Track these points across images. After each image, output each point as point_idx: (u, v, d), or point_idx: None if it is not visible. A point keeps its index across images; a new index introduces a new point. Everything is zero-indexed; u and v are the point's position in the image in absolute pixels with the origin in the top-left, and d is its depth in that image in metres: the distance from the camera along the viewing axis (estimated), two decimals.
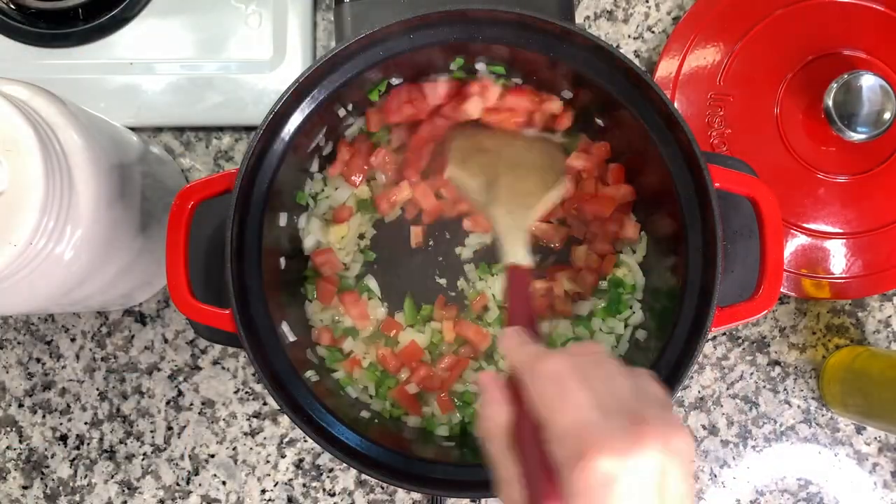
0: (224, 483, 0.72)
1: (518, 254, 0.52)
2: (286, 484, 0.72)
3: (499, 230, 0.55)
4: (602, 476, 0.36)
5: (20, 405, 0.73)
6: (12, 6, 0.71)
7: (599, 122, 0.64)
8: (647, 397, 0.40)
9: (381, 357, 0.64)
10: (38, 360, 0.73)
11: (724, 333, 0.74)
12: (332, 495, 0.72)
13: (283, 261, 0.63)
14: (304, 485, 0.72)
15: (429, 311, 0.66)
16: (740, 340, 0.74)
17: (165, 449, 0.72)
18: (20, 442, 0.72)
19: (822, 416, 0.73)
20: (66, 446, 0.72)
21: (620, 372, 0.41)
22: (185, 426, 0.72)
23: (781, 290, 0.69)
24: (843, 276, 0.71)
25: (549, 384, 0.40)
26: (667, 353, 0.57)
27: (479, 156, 0.60)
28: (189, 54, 0.71)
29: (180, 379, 0.73)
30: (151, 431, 0.72)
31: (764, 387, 0.73)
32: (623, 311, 0.64)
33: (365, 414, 0.62)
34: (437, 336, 0.65)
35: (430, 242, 0.68)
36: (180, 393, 0.73)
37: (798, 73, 0.71)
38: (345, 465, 0.62)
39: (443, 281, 0.68)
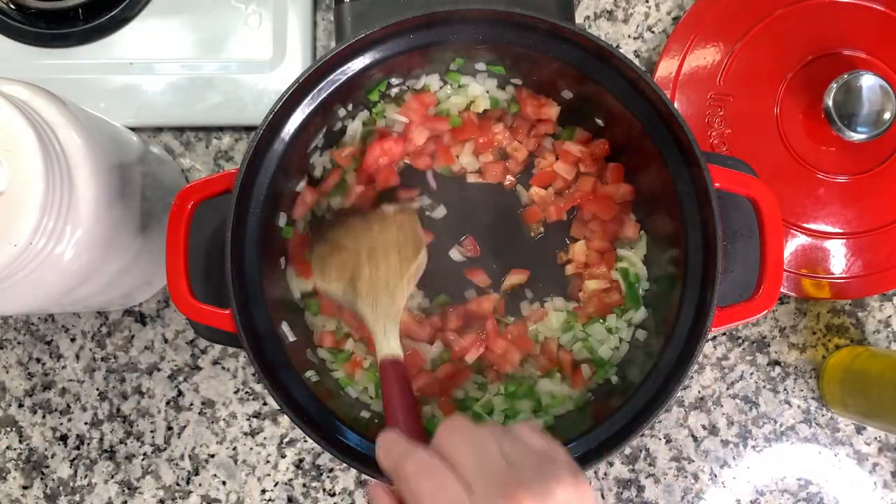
0: (224, 483, 0.72)
1: (389, 344, 0.53)
2: (286, 484, 0.72)
3: (368, 323, 0.55)
4: None
5: (20, 405, 0.73)
6: (12, 6, 0.71)
7: (599, 121, 0.64)
8: (523, 456, 0.40)
9: None
10: (38, 360, 0.73)
11: (724, 333, 0.74)
12: (332, 495, 0.72)
13: (282, 261, 0.63)
14: (304, 485, 0.72)
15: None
16: (740, 340, 0.74)
17: (165, 449, 0.72)
18: (20, 442, 0.72)
19: (822, 416, 0.73)
20: (66, 446, 0.72)
21: (492, 437, 0.41)
22: (185, 426, 0.72)
23: (781, 290, 0.69)
24: (843, 276, 0.71)
25: (413, 484, 0.40)
26: (667, 353, 0.57)
27: (337, 256, 0.60)
28: (189, 54, 0.71)
29: (180, 379, 0.73)
30: (151, 431, 0.72)
31: (764, 387, 0.73)
32: (638, 305, 0.64)
33: (365, 414, 0.62)
34: (446, 353, 0.65)
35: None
36: (180, 393, 0.73)
37: (798, 73, 0.71)
38: (345, 465, 0.62)
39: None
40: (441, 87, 0.66)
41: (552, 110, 0.65)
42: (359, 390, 0.64)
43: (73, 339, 0.73)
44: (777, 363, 0.73)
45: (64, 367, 0.73)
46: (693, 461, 0.72)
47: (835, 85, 0.66)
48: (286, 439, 0.72)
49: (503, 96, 0.66)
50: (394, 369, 0.52)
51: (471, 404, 0.64)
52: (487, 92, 0.66)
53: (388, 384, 0.51)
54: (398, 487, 0.41)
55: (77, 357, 0.73)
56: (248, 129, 0.74)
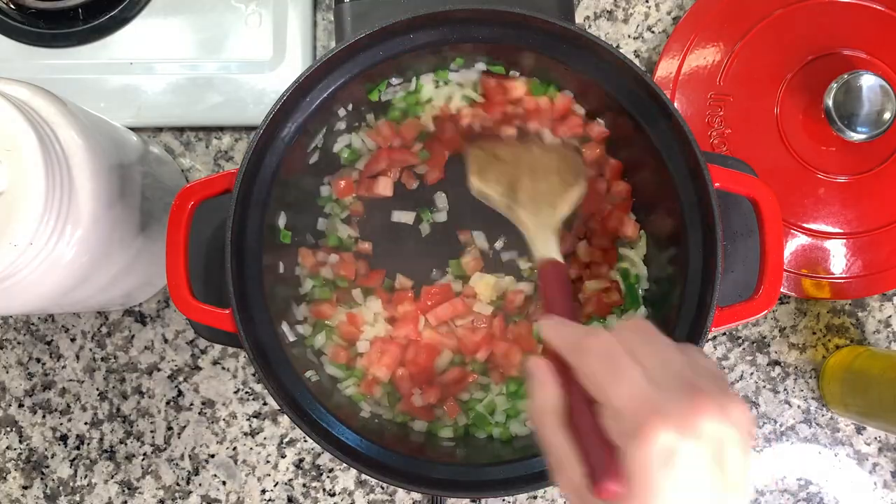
0: (224, 483, 0.72)
1: (550, 249, 0.52)
2: (286, 484, 0.72)
3: (527, 230, 0.54)
4: (661, 450, 0.36)
5: (20, 405, 0.73)
6: (12, 6, 0.71)
7: (600, 121, 0.64)
8: (700, 369, 0.40)
9: (399, 378, 0.63)
10: (38, 360, 0.73)
11: (724, 333, 0.74)
12: (332, 495, 0.72)
13: (281, 264, 0.63)
14: (304, 485, 0.72)
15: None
16: (740, 340, 0.74)
17: (165, 449, 0.72)
18: (20, 442, 0.72)
19: (823, 416, 0.73)
20: (66, 446, 0.72)
21: (669, 346, 0.41)
22: (185, 426, 0.72)
23: (781, 290, 0.69)
24: (843, 276, 0.71)
25: (599, 361, 0.39)
26: None
27: (496, 164, 0.59)
28: (189, 54, 0.71)
29: (180, 379, 0.73)
30: (151, 431, 0.72)
31: (764, 387, 0.73)
32: (638, 305, 0.64)
33: (365, 414, 0.62)
34: (457, 358, 0.65)
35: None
36: (180, 393, 0.73)
37: (798, 73, 0.71)
38: (345, 465, 0.62)
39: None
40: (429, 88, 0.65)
41: (519, 85, 0.64)
42: (371, 402, 0.64)
43: (73, 339, 0.73)
44: (777, 363, 0.73)
45: (64, 367, 0.73)
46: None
47: (835, 85, 0.66)
48: (286, 439, 0.72)
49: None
50: (554, 269, 0.51)
51: (474, 405, 0.64)
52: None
53: (551, 283, 0.50)
54: (575, 361, 0.40)
55: (77, 357, 0.73)
56: (248, 129, 0.74)
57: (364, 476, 0.72)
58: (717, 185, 0.55)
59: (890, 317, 0.74)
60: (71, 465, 0.72)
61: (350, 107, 0.63)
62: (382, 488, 0.72)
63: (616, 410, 0.38)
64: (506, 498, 0.72)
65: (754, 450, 0.73)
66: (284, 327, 0.60)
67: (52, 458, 0.72)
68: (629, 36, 0.75)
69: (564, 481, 0.40)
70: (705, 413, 0.36)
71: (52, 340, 0.73)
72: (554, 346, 0.43)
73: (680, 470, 0.36)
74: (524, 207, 0.56)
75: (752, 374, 0.73)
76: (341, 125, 0.64)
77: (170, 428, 0.72)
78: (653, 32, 0.75)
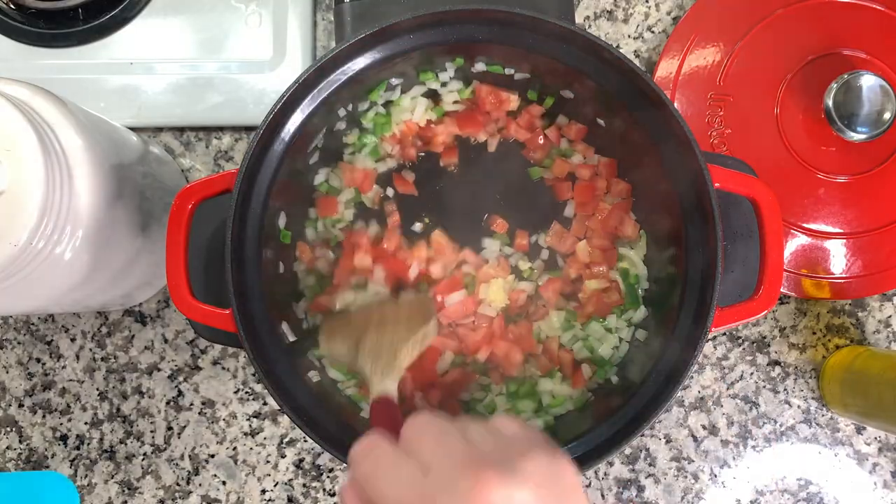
0: (224, 483, 0.72)
1: (384, 387, 0.52)
2: (286, 484, 0.72)
3: (366, 375, 0.54)
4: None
5: (20, 405, 0.73)
6: (12, 6, 0.71)
7: (601, 121, 0.64)
8: (487, 437, 0.37)
9: (401, 380, 0.63)
10: (38, 360, 0.73)
11: (724, 333, 0.74)
12: (332, 495, 0.72)
13: (281, 265, 0.63)
14: (304, 485, 0.72)
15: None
16: (740, 340, 0.74)
17: (165, 449, 0.72)
18: (20, 442, 0.72)
19: (822, 416, 0.73)
20: (66, 446, 0.72)
21: (453, 426, 0.38)
22: (185, 426, 0.72)
23: (781, 290, 0.69)
24: (843, 276, 0.71)
25: (370, 475, 0.37)
26: (667, 353, 0.57)
27: (345, 326, 0.60)
28: (189, 54, 0.72)
29: (180, 379, 0.73)
30: (151, 431, 0.72)
31: (764, 387, 0.73)
32: (638, 305, 0.64)
33: (365, 414, 0.62)
34: (457, 359, 0.65)
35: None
36: (180, 393, 0.73)
37: (798, 73, 0.71)
38: (345, 465, 0.62)
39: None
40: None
41: (511, 102, 0.65)
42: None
43: (73, 339, 0.73)
44: (777, 363, 0.73)
45: (64, 367, 0.73)
46: (693, 461, 0.72)
47: (835, 85, 0.66)
48: (286, 439, 0.72)
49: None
50: (384, 405, 0.49)
51: (474, 405, 0.64)
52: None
53: (377, 419, 0.48)
54: (360, 486, 0.38)
55: (77, 357, 0.73)
56: (248, 129, 0.74)
57: None
58: (717, 185, 0.55)
59: (890, 317, 0.74)
60: (71, 465, 0.72)
61: (350, 107, 0.63)
62: None
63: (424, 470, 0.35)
64: None
65: (754, 449, 0.73)
66: (284, 327, 0.60)
67: (52, 458, 0.72)
68: (629, 36, 0.75)
69: None
70: (486, 486, 0.33)
71: (52, 340, 0.73)
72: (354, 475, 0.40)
73: None
74: (364, 357, 0.56)
75: (752, 374, 0.73)
76: (341, 125, 0.64)
77: (170, 428, 0.72)
78: (653, 32, 0.75)
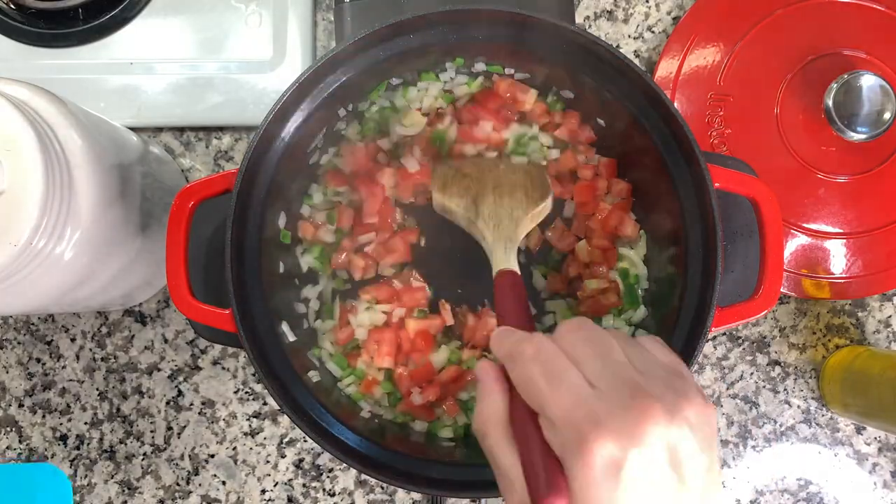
0: (224, 483, 0.72)
1: (508, 260, 0.51)
2: (286, 484, 0.72)
3: (487, 243, 0.54)
4: (607, 461, 0.33)
5: (20, 405, 0.73)
6: (12, 6, 0.71)
7: (601, 122, 0.64)
8: (651, 366, 0.37)
9: (398, 377, 0.63)
10: (38, 360, 0.73)
11: (724, 333, 0.74)
12: (332, 495, 0.72)
13: (281, 265, 0.63)
14: (304, 485, 0.72)
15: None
16: (740, 340, 0.74)
17: (165, 449, 0.72)
18: (20, 442, 0.72)
19: (822, 416, 0.73)
20: (66, 446, 0.72)
21: (617, 343, 0.38)
22: (185, 426, 0.72)
23: (781, 290, 0.69)
24: (843, 276, 0.71)
25: (534, 368, 0.37)
26: None
27: (460, 180, 0.59)
28: (189, 54, 0.71)
29: (180, 379, 0.73)
30: (151, 431, 0.72)
31: (764, 387, 0.73)
32: (637, 305, 0.63)
33: (365, 414, 0.62)
34: (455, 355, 0.65)
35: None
36: (180, 393, 0.73)
37: (798, 73, 0.71)
38: (345, 465, 0.62)
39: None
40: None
41: (528, 96, 0.64)
42: (371, 402, 0.64)
43: (73, 339, 0.73)
44: (777, 363, 0.73)
45: (64, 367, 0.73)
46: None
47: (835, 85, 0.66)
48: (286, 439, 0.72)
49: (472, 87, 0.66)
50: (510, 280, 0.49)
51: (472, 405, 0.64)
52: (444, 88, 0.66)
53: (503, 294, 0.48)
54: (511, 370, 0.38)
55: (77, 357, 0.73)
56: (249, 129, 0.74)
57: (364, 476, 0.72)
58: (717, 185, 0.55)
59: (890, 317, 0.74)
60: (71, 465, 0.72)
61: (350, 107, 0.63)
62: (382, 488, 0.72)
63: (555, 421, 0.35)
64: None
65: (754, 449, 0.73)
66: (284, 327, 0.60)
67: (52, 458, 0.72)
68: (629, 36, 0.75)
69: (508, 497, 0.38)
70: (652, 419, 0.34)
71: (52, 340, 0.73)
72: (496, 356, 0.41)
73: (628, 482, 0.33)
74: (485, 221, 0.55)
75: (752, 374, 0.73)
76: (341, 125, 0.64)
77: (170, 428, 0.72)
78: (653, 32, 0.75)
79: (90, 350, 0.73)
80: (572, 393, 0.35)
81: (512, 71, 0.64)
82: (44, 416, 0.73)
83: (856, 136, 0.66)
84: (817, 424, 0.73)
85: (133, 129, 0.69)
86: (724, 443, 0.73)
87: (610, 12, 0.75)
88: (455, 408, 0.63)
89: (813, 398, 0.73)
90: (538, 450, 0.37)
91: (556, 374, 0.36)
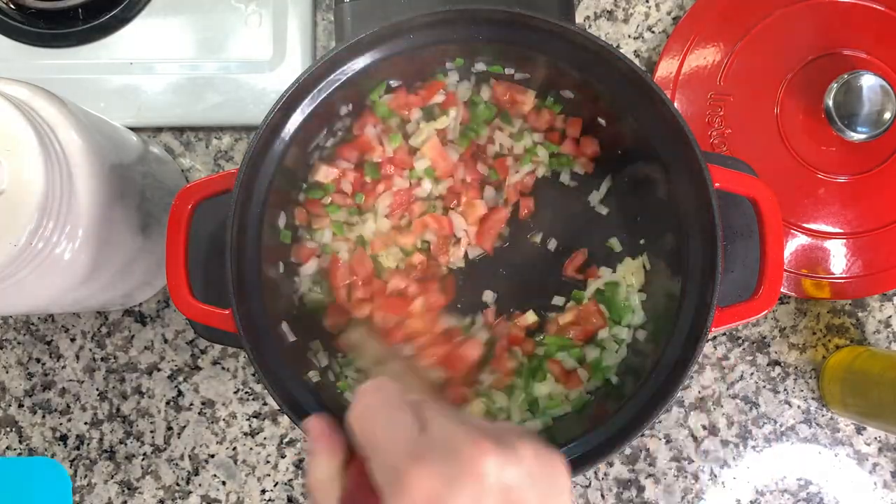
0: (224, 483, 0.72)
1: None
2: (286, 484, 0.72)
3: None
4: (426, 498, 0.31)
5: (20, 405, 0.73)
6: (12, 6, 0.71)
7: (601, 121, 0.64)
8: (485, 422, 0.37)
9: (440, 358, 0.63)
10: (38, 360, 0.73)
11: (724, 333, 0.74)
12: None
13: (281, 265, 0.63)
14: (304, 485, 0.72)
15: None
16: (740, 340, 0.74)
17: (165, 449, 0.72)
18: (20, 442, 0.72)
19: (823, 416, 0.73)
20: (66, 446, 0.72)
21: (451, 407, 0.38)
22: (184, 426, 0.72)
23: (781, 290, 0.69)
24: (844, 276, 0.71)
25: (366, 414, 0.36)
26: (667, 353, 0.57)
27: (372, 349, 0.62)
28: (189, 54, 0.71)
29: (180, 379, 0.73)
30: (151, 431, 0.72)
31: (764, 387, 0.73)
32: (626, 316, 0.63)
33: None
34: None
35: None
36: (180, 393, 0.73)
37: (798, 73, 0.71)
38: None
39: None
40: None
41: (527, 97, 0.64)
42: None
43: (73, 339, 0.73)
44: (777, 363, 0.73)
45: (64, 367, 0.73)
46: (693, 461, 0.72)
47: (835, 85, 0.66)
48: (286, 439, 0.72)
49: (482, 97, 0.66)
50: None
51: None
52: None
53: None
54: (350, 422, 0.36)
55: (77, 357, 0.73)
56: (249, 129, 0.74)
57: None
58: (717, 185, 0.55)
59: (890, 317, 0.74)
60: (71, 465, 0.72)
61: (350, 106, 0.63)
62: None
63: (380, 462, 0.33)
64: None
65: (754, 450, 0.73)
66: (284, 327, 0.60)
67: (52, 458, 0.72)
68: (629, 36, 0.75)
69: None
70: (484, 454, 0.31)
71: (51, 340, 0.73)
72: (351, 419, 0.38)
73: None
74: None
75: (752, 374, 0.73)
76: (343, 124, 0.64)
77: (170, 428, 0.72)
78: (653, 32, 0.75)
79: (90, 350, 0.73)
80: (398, 429, 0.34)
81: (512, 71, 0.64)
82: (44, 417, 0.73)
83: (856, 136, 0.66)
84: (817, 424, 0.73)
85: (133, 129, 0.69)
86: (724, 443, 0.73)
87: (610, 12, 0.75)
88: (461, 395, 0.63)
89: (813, 398, 0.73)
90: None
91: (390, 411, 0.35)
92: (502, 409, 0.63)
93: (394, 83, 0.63)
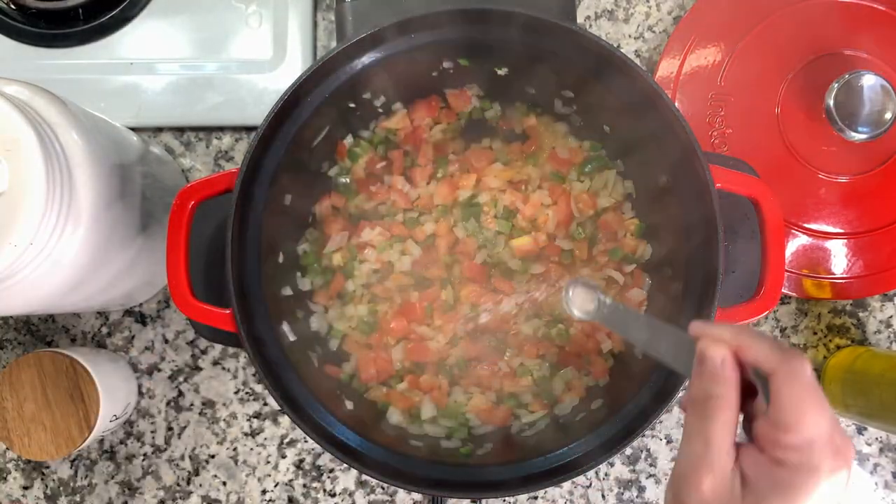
0: (224, 483, 0.72)
1: None
2: (286, 484, 0.72)
3: None
4: (827, 492, 0.37)
5: None
6: (12, 6, 0.71)
7: (606, 128, 0.64)
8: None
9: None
10: None
11: None
12: (333, 496, 0.72)
13: (281, 254, 0.63)
14: (304, 485, 0.72)
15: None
16: None
17: (166, 449, 0.72)
18: None
19: None
20: None
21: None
22: (185, 426, 0.72)
23: (782, 290, 0.69)
24: (844, 276, 0.71)
25: (805, 391, 0.38)
26: None
27: None
28: (189, 54, 0.71)
29: (180, 379, 0.73)
30: (152, 432, 0.72)
31: None
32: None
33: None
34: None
35: None
36: (180, 393, 0.73)
37: (799, 73, 0.71)
38: (345, 465, 0.62)
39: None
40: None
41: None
42: (406, 419, 0.64)
43: (73, 340, 0.73)
44: None
45: None
46: None
47: (836, 85, 0.66)
48: (286, 440, 0.72)
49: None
50: None
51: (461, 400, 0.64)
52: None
53: None
54: (780, 380, 0.39)
55: None
56: (249, 129, 0.74)
57: (364, 476, 0.72)
58: (718, 185, 0.55)
59: (891, 317, 0.74)
60: (71, 465, 0.72)
61: (351, 106, 0.63)
62: (383, 488, 0.72)
63: (800, 442, 0.37)
64: (506, 498, 0.72)
65: None
66: (284, 327, 0.60)
67: (51, 458, 0.72)
68: (630, 36, 0.75)
69: (701, 471, 0.39)
70: (844, 465, 0.38)
71: (52, 340, 0.73)
72: (752, 355, 0.40)
73: None
74: None
75: None
76: (348, 122, 0.64)
77: (170, 428, 0.72)
78: (653, 32, 0.75)
79: None
80: (823, 427, 0.38)
81: (505, 70, 0.64)
82: None
83: (857, 136, 0.66)
84: None
85: (133, 129, 0.69)
86: None
87: (611, 12, 0.75)
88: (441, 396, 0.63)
89: None
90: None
91: (818, 405, 0.38)
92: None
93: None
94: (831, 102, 0.66)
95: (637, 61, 0.67)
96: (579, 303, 0.54)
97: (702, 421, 0.40)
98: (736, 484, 0.39)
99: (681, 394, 0.72)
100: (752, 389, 0.40)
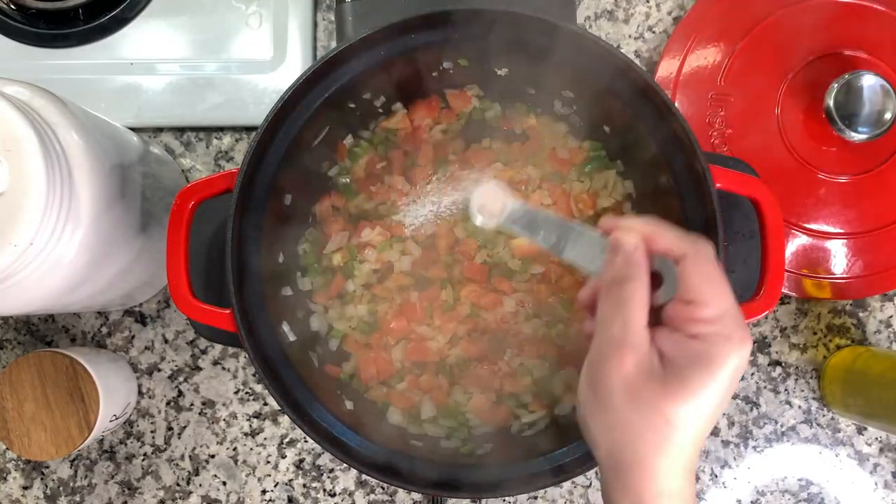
0: (224, 483, 0.72)
1: None
2: (286, 484, 0.72)
3: None
4: (738, 364, 0.39)
5: None
6: (12, 6, 0.71)
7: (606, 129, 0.64)
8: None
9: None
10: None
11: None
12: (333, 496, 0.72)
13: (281, 254, 0.63)
14: (304, 485, 0.72)
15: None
16: None
17: (166, 449, 0.72)
18: None
19: (823, 416, 0.73)
20: None
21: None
22: (185, 426, 0.72)
23: (782, 290, 0.69)
24: (844, 276, 0.71)
25: (714, 271, 0.41)
26: None
27: None
28: (189, 54, 0.71)
29: (180, 379, 0.73)
30: (152, 432, 0.72)
31: (765, 387, 0.73)
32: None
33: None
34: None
35: None
36: (180, 393, 0.73)
37: (799, 73, 0.71)
38: (345, 465, 0.62)
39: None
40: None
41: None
42: (407, 419, 0.64)
43: (73, 340, 0.73)
44: (778, 363, 0.73)
45: None
46: None
47: (836, 85, 0.66)
48: (286, 440, 0.72)
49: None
50: None
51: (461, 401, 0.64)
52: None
53: None
54: (690, 261, 0.41)
55: None
56: (249, 129, 0.74)
57: (364, 476, 0.72)
58: (718, 185, 0.55)
59: (891, 317, 0.74)
60: (71, 465, 0.72)
61: (351, 106, 0.63)
62: (383, 488, 0.72)
63: (715, 315, 0.40)
64: (506, 498, 0.72)
65: (755, 450, 0.73)
66: (284, 327, 0.60)
67: (51, 458, 0.72)
68: (630, 36, 0.75)
69: (617, 347, 0.41)
70: (748, 342, 0.41)
71: (52, 341, 0.73)
72: (663, 242, 0.42)
73: (731, 387, 0.40)
74: None
75: (752, 374, 0.73)
76: (348, 122, 0.64)
77: (170, 428, 0.72)
78: (653, 32, 0.75)
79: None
80: (731, 301, 0.41)
81: (505, 70, 0.64)
82: None
83: (857, 137, 0.66)
84: (818, 425, 0.73)
85: (133, 129, 0.69)
86: (725, 443, 0.73)
87: (610, 12, 0.75)
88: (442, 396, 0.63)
89: (814, 398, 0.73)
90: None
91: (724, 281, 0.41)
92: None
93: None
94: (831, 102, 0.66)
95: (637, 61, 0.66)
96: (486, 209, 0.50)
97: (618, 305, 0.41)
98: (655, 360, 0.40)
99: None
100: (653, 282, 0.42)
